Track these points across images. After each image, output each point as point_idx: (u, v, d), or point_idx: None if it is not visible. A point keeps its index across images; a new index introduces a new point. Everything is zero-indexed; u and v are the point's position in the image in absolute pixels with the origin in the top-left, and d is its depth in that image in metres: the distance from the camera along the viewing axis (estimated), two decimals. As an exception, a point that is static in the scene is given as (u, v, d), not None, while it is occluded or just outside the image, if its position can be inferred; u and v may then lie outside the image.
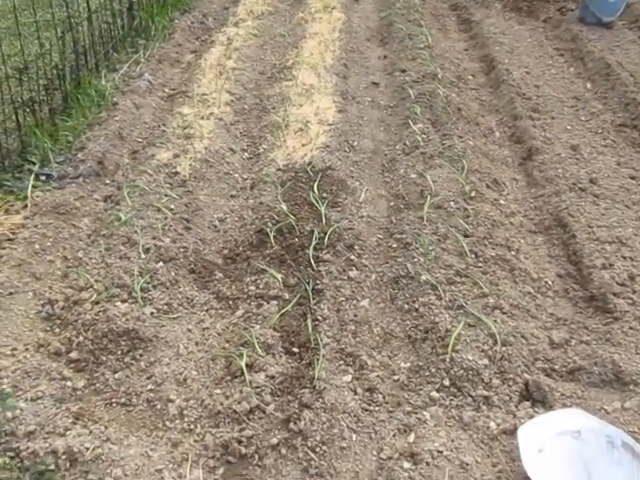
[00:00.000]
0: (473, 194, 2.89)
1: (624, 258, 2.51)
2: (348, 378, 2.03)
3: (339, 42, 4.70)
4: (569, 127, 3.56)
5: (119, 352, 2.04)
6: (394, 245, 2.63)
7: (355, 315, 2.28)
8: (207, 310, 2.31)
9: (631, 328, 2.18)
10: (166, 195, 2.83)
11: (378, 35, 5.03)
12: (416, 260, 2.46)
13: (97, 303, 2.18)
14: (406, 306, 2.30)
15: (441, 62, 4.31)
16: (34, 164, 3.01)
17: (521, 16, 5.39)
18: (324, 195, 2.87)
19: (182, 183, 2.95)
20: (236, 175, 3.16)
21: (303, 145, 3.29)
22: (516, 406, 1.94)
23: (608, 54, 4.42)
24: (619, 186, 3.00)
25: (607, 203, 2.87)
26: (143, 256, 2.42)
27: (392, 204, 2.96)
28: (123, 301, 2.20)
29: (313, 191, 2.85)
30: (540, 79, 4.18)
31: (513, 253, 2.58)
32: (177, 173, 3.02)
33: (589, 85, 4.16)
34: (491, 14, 5.40)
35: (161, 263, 2.42)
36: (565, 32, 4.97)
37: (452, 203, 2.79)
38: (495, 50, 4.56)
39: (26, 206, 2.70)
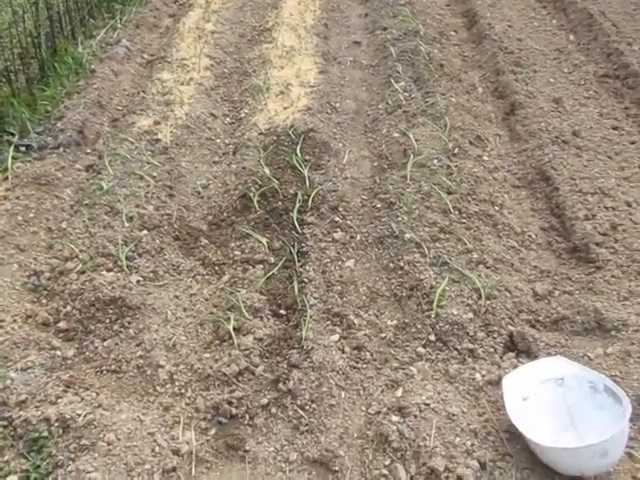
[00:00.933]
0: (456, 151, 2.88)
1: (606, 208, 2.52)
2: (335, 337, 2.06)
3: (319, 1, 4.62)
4: (552, 80, 3.54)
5: (107, 320, 2.05)
6: (378, 205, 2.64)
7: (341, 276, 2.29)
8: (193, 276, 2.32)
9: (613, 276, 2.21)
10: (148, 162, 2.81)
11: (359, -7, 4.94)
12: (400, 219, 2.47)
13: (83, 273, 2.18)
14: (391, 265, 2.32)
15: (423, 18, 4.24)
16: (13, 135, 2.97)
17: (503, -32, 5.30)
18: (307, 158, 2.86)
19: (164, 150, 2.92)
20: (218, 140, 3.14)
21: (285, 108, 3.25)
22: (501, 357, 1.98)
23: (590, 4, 4.37)
24: (601, 137, 3.01)
25: (590, 155, 2.87)
26: (127, 224, 2.42)
27: (376, 164, 2.95)
28: (109, 270, 2.21)
29: (296, 154, 2.83)
30: (522, 32, 4.13)
31: (497, 208, 2.59)
32: (158, 140, 2.99)
33: (572, 37, 4.12)
34: (473, -33, 5.29)
35: (145, 231, 2.41)
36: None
37: (435, 161, 2.79)
38: (477, 4, 4.49)
39: (7, 178, 2.67)
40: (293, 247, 2.35)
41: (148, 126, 3.08)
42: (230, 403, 1.80)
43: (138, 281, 2.20)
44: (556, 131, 3.04)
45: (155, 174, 2.73)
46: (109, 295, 2.08)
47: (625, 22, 4.13)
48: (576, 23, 4.22)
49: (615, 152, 2.89)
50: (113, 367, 1.94)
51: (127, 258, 2.25)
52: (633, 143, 2.94)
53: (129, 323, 2.06)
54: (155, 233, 2.43)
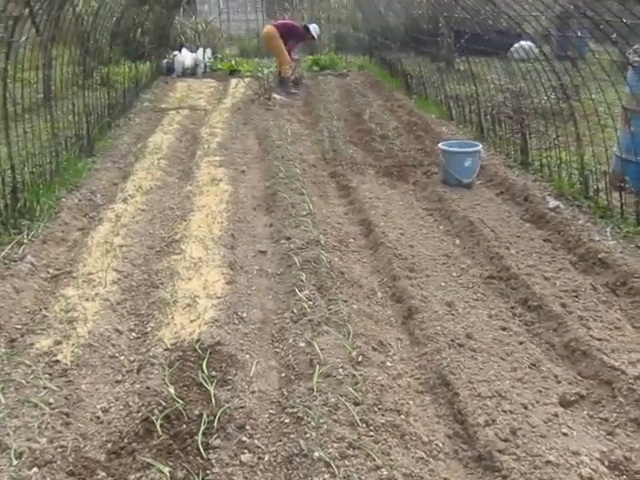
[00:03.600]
0: (360, 359, 2.97)
1: (505, 412, 2.62)
2: None
3: (226, 213, 4.91)
4: (443, 284, 3.83)
5: None
6: (286, 420, 2.61)
7: (248, 505, 2.18)
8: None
9: (519, 486, 2.23)
10: (45, 387, 2.69)
11: (264, 204, 5.32)
12: (308, 435, 2.44)
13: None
14: (301, 489, 2.24)
15: (323, 227, 4.59)
16: None
17: (392, 180, 5.95)
18: (213, 373, 2.84)
19: (63, 372, 2.83)
20: (122, 358, 3.08)
21: (191, 321, 3.29)
22: None
23: (470, 212, 4.92)
24: (493, 338, 3.21)
25: (484, 357, 3.04)
26: (15, 462, 2.24)
27: (283, 375, 2.97)
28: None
29: (202, 370, 2.82)
30: (414, 239, 4.53)
31: (403, 417, 2.62)
32: (58, 362, 2.90)
33: (457, 241, 4.55)
34: (366, 180, 5.91)
35: (35, 469, 2.24)
36: (432, 194, 5.50)
37: (341, 370, 2.84)
38: (372, 214, 4.94)
39: None
40: (197, 475, 2.24)
41: (48, 347, 3.00)
42: None
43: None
44: (451, 334, 3.23)
45: (52, 400, 2.61)
46: None
47: (502, 228, 4.64)
48: (460, 229, 4.70)
49: (506, 353, 3.08)
50: None
51: (11, 504, 2.05)
52: (521, 343, 3.16)
53: None
54: (46, 470, 2.25)
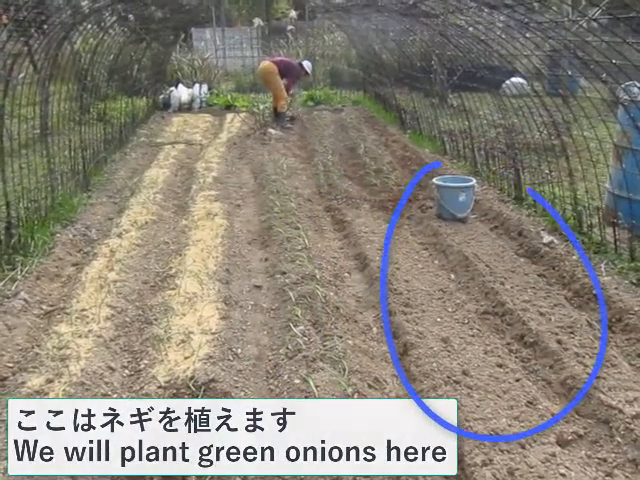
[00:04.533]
0: (355, 396, 2.94)
1: (502, 451, 2.59)
2: None
3: (221, 247, 4.91)
4: (439, 319, 3.82)
5: None
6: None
7: None
8: None
9: (518, 530, 2.19)
10: (35, 428, 2.63)
11: (259, 238, 5.33)
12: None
13: None
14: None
15: (318, 262, 4.58)
16: None
17: (388, 214, 5.97)
18: (207, 412, 2.80)
19: (54, 412, 2.77)
20: (115, 396, 3.04)
21: (185, 358, 3.26)
22: None
23: (465, 247, 4.93)
24: (489, 375, 3.19)
25: (480, 394, 3.02)
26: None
27: (278, 413, 2.93)
28: None
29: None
30: (409, 273, 4.53)
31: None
32: (49, 401, 2.85)
33: (452, 276, 4.56)
34: (361, 214, 5.94)
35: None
36: (427, 228, 5.53)
37: (336, 409, 2.81)
38: (367, 248, 4.95)
39: None
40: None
41: (39, 385, 2.96)
42: None
43: None
44: (447, 371, 3.20)
45: (42, 440, 2.56)
46: None
47: (496, 263, 4.65)
48: (455, 264, 4.71)
49: (503, 390, 3.05)
50: None
51: None
52: (518, 380, 3.13)
53: None
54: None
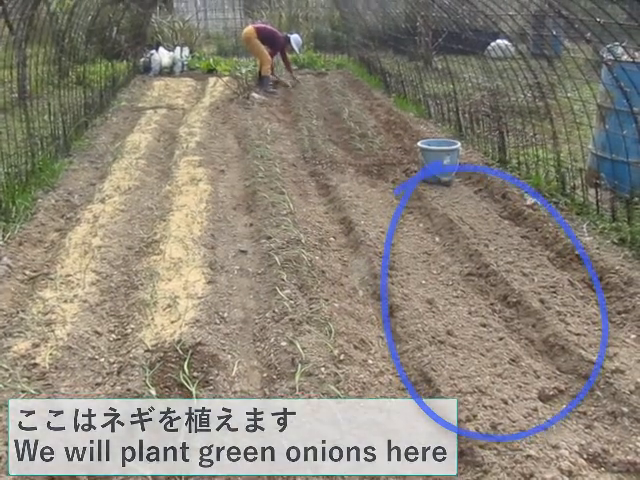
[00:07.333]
0: (342, 357, 2.98)
1: (485, 407, 2.64)
2: None
3: (206, 213, 4.88)
4: (424, 282, 3.86)
5: None
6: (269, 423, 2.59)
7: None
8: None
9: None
10: (23, 391, 2.65)
11: (244, 203, 5.30)
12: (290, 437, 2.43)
13: None
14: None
15: (304, 227, 4.58)
16: None
17: (372, 179, 5.96)
18: (195, 374, 2.83)
19: (41, 375, 2.79)
20: (102, 360, 3.05)
21: (172, 322, 3.27)
22: None
23: (450, 210, 4.95)
24: (473, 335, 3.24)
25: (464, 353, 3.07)
26: (-6, 468, 2.20)
27: (265, 375, 2.96)
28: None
29: (183, 371, 2.80)
30: (394, 237, 4.55)
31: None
32: (36, 365, 2.86)
33: (437, 239, 4.58)
34: (346, 178, 5.92)
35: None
36: (411, 191, 5.53)
37: (322, 369, 2.85)
38: (352, 212, 4.94)
39: None
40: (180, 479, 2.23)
41: (25, 349, 2.96)
42: None
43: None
44: (432, 331, 3.25)
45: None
46: None
47: (480, 225, 4.69)
48: (439, 227, 4.73)
49: (486, 349, 3.11)
50: None
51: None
52: (501, 339, 3.19)
53: None
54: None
